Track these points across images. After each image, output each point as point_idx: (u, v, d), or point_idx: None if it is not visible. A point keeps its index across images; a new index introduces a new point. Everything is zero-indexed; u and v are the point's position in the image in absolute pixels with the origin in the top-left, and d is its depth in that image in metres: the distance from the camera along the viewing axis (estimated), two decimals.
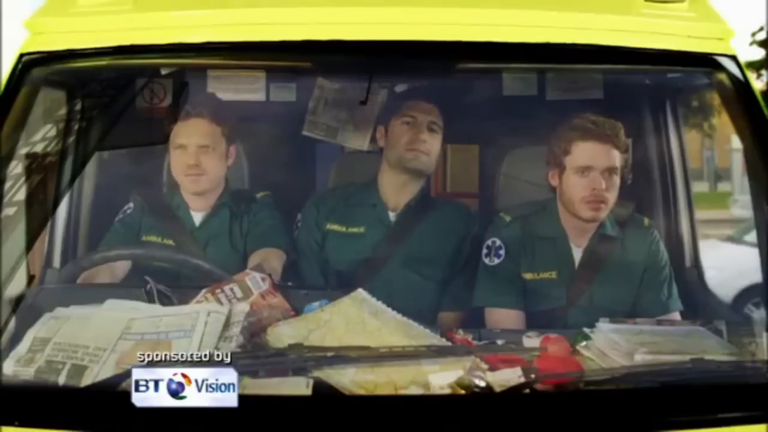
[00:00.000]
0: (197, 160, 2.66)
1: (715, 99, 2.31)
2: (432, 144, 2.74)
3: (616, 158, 2.52)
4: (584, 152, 2.52)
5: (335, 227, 2.78)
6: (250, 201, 2.78)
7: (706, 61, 2.25)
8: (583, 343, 2.07)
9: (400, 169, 2.76)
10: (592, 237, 2.62)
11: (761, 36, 13.49)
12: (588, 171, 2.52)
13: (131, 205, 2.76)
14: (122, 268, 2.57)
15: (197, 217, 2.76)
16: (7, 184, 2.20)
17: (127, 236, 2.70)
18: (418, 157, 2.74)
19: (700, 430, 1.71)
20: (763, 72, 13.69)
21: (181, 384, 1.74)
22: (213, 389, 1.75)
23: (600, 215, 2.57)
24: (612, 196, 2.54)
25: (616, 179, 2.53)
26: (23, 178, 2.28)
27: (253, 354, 1.89)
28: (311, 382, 1.78)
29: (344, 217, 2.78)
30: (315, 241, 2.77)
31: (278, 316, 2.07)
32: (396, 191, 2.78)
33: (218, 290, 2.10)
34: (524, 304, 2.59)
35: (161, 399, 1.73)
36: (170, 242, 2.70)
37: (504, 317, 2.55)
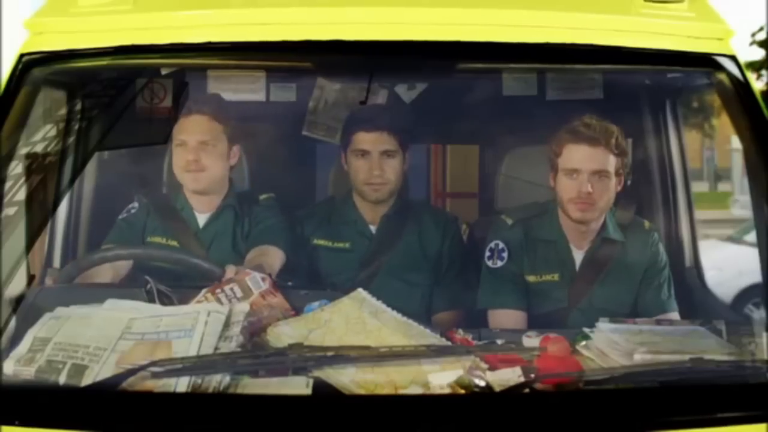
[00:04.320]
0: (197, 156, 2.65)
1: (715, 99, 2.31)
2: (389, 171, 2.72)
3: (607, 162, 2.50)
4: (573, 155, 2.52)
5: (322, 242, 2.79)
6: (252, 203, 2.79)
7: (706, 61, 2.25)
8: (583, 342, 2.07)
9: (365, 197, 2.78)
10: (593, 240, 2.63)
11: (761, 36, 13.50)
12: (576, 173, 2.51)
13: (136, 204, 2.76)
14: (124, 265, 2.57)
15: (201, 219, 2.76)
16: (8, 184, 2.20)
17: (131, 234, 2.70)
18: (377, 190, 2.74)
19: (700, 429, 1.71)
20: (763, 72, 13.71)
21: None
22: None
23: (588, 217, 2.56)
24: (603, 199, 2.53)
25: (608, 182, 2.51)
26: (23, 178, 2.29)
27: (253, 354, 1.90)
28: (311, 381, 1.79)
29: (328, 232, 2.80)
30: (304, 258, 2.78)
31: (278, 315, 2.07)
32: (370, 207, 2.80)
33: (218, 290, 2.10)
34: (527, 305, 2.59)
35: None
36: (174, 243, 2.70)
37: (507, 318, 2.56)
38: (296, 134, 3.18)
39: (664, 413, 1.73)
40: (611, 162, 2.51)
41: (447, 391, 1.79)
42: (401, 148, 2.74)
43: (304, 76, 3.13)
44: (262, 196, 2.81)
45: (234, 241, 2.73)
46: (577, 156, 2.51)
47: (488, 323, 2.56)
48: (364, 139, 2.71)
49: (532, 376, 1.84)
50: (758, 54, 13.64)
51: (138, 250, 2.59)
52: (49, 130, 2.48)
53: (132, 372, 1.76)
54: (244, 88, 2.98)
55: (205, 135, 2.66)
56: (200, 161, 2.66)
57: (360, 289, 2.14)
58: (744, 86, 2.21)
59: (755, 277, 2.21)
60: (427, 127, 3.24)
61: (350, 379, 1.80)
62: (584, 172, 2.50)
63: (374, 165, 2.70)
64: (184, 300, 2.09)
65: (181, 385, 1.74)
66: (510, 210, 2.77)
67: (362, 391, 1.78)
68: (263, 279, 2.15)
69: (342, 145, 2.82)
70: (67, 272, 2.40)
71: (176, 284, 2.20)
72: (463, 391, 1.79)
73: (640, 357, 1.93)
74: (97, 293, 2.13)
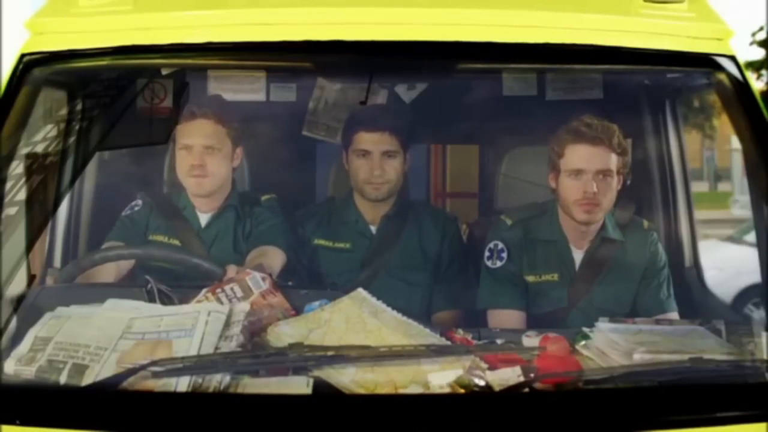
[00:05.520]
0: (202, 161, 2.65)
1: (715, 99, 2.32)
2: (390, 171, 2.73)
3: (610, 161, 2.50)
4: (576, 155, 2.52)
5: (322, 242, 2.80)
6: (254, 204, 2.79)
7: (705, 62, 2.25)
8: (583, 342, 2.07)
9: (365, 196, 2.78)
10: (592, 240, 2.63)
11: (761, 36, 13.52)
12: (580, 174, 2.51)
13: (139, 202, 2.76)
14: (127, 263, 2.58)
15: (203, 218, 2.76)
16: (8, 184, 2.20)
17: (134, 232, 2.71)
18: (377, 188, 2.75)
19: (699, 428, 1.71)
20: (763, 72, 13.72)
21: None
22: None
23: (593, 217, 2.56)
24: (607, 199, 2.54)
25: (611, 181, 2.52)
26: (24, 178, 2.29)
27: (253, 353, 1.90)
28: (311, 381, 1.79)
29: (329, 233, 2.81)
30: (305, 258, 2.78)
31: (278, 315, 2.08)
32: (371, 207, 2.81)
33: (219, 290, 2.10)
34: (526, 305, 2.60)
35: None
36: (176, 242, 2.71)
37: (506, 318, 2.56)
38: (296, 134, 3.18)
39: (664, 413, 1.74)
40: (614, 161, 2.51)
41: (447, 390, 1.79)
42: (402, 148, 2.74)
43: (305, 76, 3.13)
44: (264, 197, 2.81)
45: (235, 240, 2.74)
46: (581, 156, 2.51)
47: (488, 323, 2.56)
48: (366, 140, 2.71)
49: (532, 375, 1.85)
50: (758, 54, 13.66)
51: (138, 250, 2.59)
52: (50, 131, 2.49)
53: (132, 371, 1.76)
54: (245, 89, 2.99)
55: (209, 139, 2.66)
56: (205, 166, 2.66)
57: (360, 289, 2.14)
58: (743, 86, 2.22)
59: (755, 277, 2.21)
60: (427, 127, 3.25)
61: (350, 378, 1.80)
62: (589, 172, 2.50)
63: (375, 165, 2.71)
64: (184, 300, 2.09)
65: (182, 384, 1.75)
66: (509, 210, 2.78)
67: (362, 391, 1.78)
68: (263, 279, 2.16)
69: (343, 145, 2.82)
70: (67, 272, 2.40)
71: (177, 284, 2.20)
72: (462, 391, 1.79)
73: (639, 357, 1.93)
74: (97, 293, 2.14)
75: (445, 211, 3.36)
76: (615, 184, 2.53)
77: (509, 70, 2.86)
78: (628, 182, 2.69)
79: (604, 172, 2.50)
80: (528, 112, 2.97)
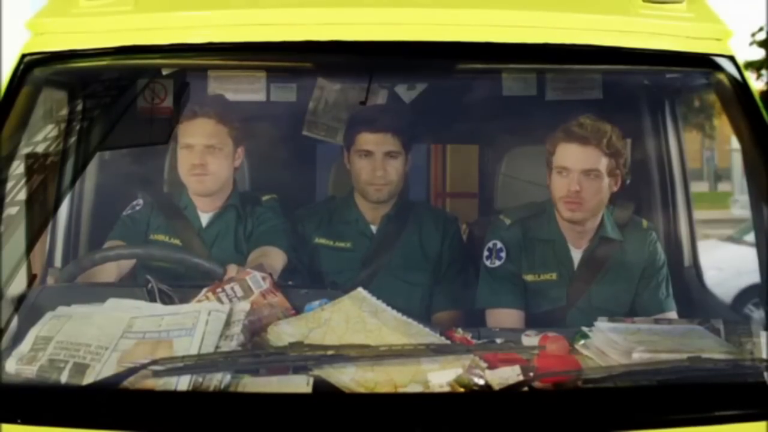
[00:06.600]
0: (203, 160, 2.66)
1: (714, 99, 2.32)
2: (392, 172, 2.74)
3: (598, 161, 2.50)
4: (564, 153, 2.53)
5: (323, 241, 2.81)
6: (255, 204, 2.80)
7: (704, 62, 2.26)
8: (582, 341, 2.07)
9: (367, 197, 2.79)
10: (591, 239, 2.63)
11: (761, 36, 13.53)
12: (566, 172, 2.52)
13: (140, 201, 2.77)
14: (127, 263, 2.58)
15: (204, 218, 2.77)
16: (9, 184, 2.21)
17: (134, 231, 2.71)
18: (379, 190, 2.75)
19: (698, 427, 1.72)
20: (763, 72, 13.73)
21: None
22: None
23: (576, 216, 2.56)
24: (594, 199, 2.53)
25: (599, 182, 2.52)
26: (25, 178, 2.29)
27: (253, 353, 1.90)
28: (311, 380, 1.80)
29: (329, 232, 2.81)
30: (305, 257, 2.79)
31: (279, 314, 2.08)
32: (372, 207, 2.81)
33: (219, 289, 2.11)
34: (525, 304, 2.60)
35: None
36: (177, 241, 2.71)
37: (505, 317, 2.57)
38: (297, 134, 3.19)
39: (663, 411, 1.74)
40: (602, 162, 2.51)
41: (446, 389, 1.80)
42: (404, 149, 2.75)
43: (305, 76, 3.13)
44: (265, 197, 2.82)
45: (236, 240, 2.74)
46: (567, 155, 2.52)
47: (487, 322, 2.56)
48: (368, 140, 2.72)
49: (531, 374, 1.85)
50: (758, 54, 13.68)
51: (139, 250, 2.60)
52: (51, 131, 2.49)
53: (133, 371, 1.77)
54: (245, 89, 2.99)
55: (211, 139, 2.66)
56: (206, 165, 2.66)
57: (360, 289, 2.15)
58: (742, 87, 2.22)
59: (755, 277, 2.22)
60: (427, 127, 3.25)
61: (350, 377, 1.81)
62: (574, 170, 2.51)
63: (377, 166, 2.72)
64: (185, 299, 2.09)
65: (182, 383, 1.75)
66: (508, 210, 2.78)
67: (362, 390, 1.79)
68: (264, 278, 2.16)
69: (345, 145, 2.83)
70: (68, 271, 2.41)
71: (177, 283, 2.21)
72: (462, 390, 1.80)
73: (638, 356, 1.94)
74: (98, 292, 2.14)
75: (446, 211, 3.37)
76: (604, 185, 2.53)
77: (509, 70, 2.87)
78: (628, 182, 2.69)
79: (589, 172, 2.51)
80: (528, 112, 2.97)
